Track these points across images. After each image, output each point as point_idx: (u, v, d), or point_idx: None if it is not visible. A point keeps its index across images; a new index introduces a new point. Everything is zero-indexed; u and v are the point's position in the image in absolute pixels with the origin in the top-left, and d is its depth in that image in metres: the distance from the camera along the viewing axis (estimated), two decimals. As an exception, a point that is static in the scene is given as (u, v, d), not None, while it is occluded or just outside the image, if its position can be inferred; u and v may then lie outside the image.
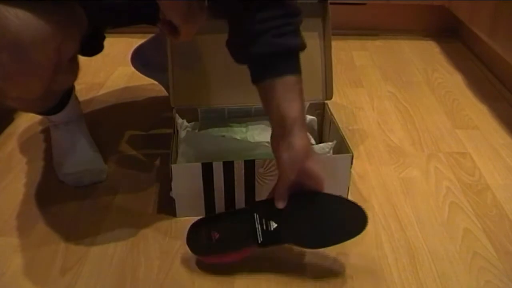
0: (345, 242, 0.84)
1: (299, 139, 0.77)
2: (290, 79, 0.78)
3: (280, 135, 0.78)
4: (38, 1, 0.69)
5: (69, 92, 1.05)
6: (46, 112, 1.03)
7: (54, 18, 0.71)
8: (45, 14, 0.70)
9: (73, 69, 0.91)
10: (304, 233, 0.80)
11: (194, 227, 0.85)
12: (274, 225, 0.80)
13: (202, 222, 0.86)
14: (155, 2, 0.75)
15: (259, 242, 0.80)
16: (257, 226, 0.80)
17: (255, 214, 0.81)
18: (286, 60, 0.78)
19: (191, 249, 0.84)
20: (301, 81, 0.79)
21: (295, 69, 0.79)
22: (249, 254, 0.82)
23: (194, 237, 0.84)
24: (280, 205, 0.79)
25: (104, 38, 0.98)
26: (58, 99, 0.99)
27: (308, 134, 1.13)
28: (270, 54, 0.77)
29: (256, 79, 0.80)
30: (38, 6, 0.69)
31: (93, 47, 0.97)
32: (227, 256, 0.82)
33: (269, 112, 0.80)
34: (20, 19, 0.68)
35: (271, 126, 0.81)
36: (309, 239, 0.80)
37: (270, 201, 0.81)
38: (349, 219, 0.81)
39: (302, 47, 0.80)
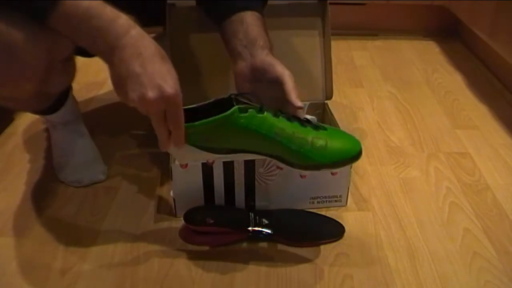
0: (345, 242, 0.90)
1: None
2: (258, 14, 0.86)
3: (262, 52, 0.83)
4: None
5: (66, 91, 1.04)
6: (43, 111, 1.03)
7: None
8: None
9: (69, 71, 0.91)
10: (291, 230, 0.90)
11: (190, 211, 0.90)
12: (266, 221, 0.89)
13: (198, 209, 0.92)
14: (157, 4, 0.75)
15: (251, 229, 0.87)
16: (250, 219, 0.89)
17: (250, 213, 0.90)
18: None
19: (185, 219, 0.89)
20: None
21: (261, 7, 0.89)
22: (237, 239, 0.89)
23: (189, 215, 0.90)
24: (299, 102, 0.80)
25: None
26: (54, 99, 0.99)
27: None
28: None
29: (228, 12, 0.85)
30: None
31: None
32: (218, 230, 0.88)
33: (235, 38, 0.84)
34: (10, 19, 0.68)
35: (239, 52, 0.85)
36: (295, 234, 0.90)
37: (264, 210, 0.92)
38: (329, 225, 0.93)
39: None
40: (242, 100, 0.79)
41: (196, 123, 0.76)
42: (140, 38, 0.70)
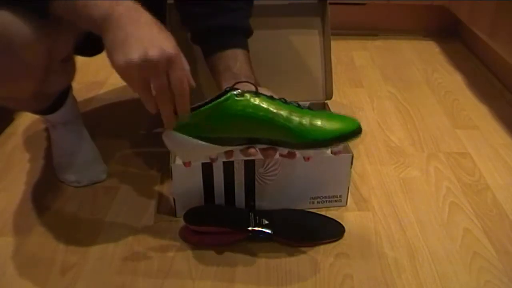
0: (345, 242, 0.90)
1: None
2: (248, 54, 0.90)
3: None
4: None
5: (66, 91, 1.04)
6: (42, 111, 1.03)
7: (44, 20, 0.71)
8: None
9: (68, 71, 0.91)
10: (291, 230, 0.90)
11: (190, 210, 0.91)
12: (265, 221, 0.89)
13: (198, 209, 0.93)
14: (157, 4, 0.74)
15: (250, 229, 0.88)
16: (251, 218, 0.90)
17: (250, 213, 0.91)
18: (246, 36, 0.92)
19: (185, 219, 0.89)
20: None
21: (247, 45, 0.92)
22: (237, 239, 0.88)
23: (189, 215, 0.90)
24: None
25: None
26: (54, 99, 0.99)
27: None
28: (241, 28, 0.89)
29: (222, 46, 0.87)
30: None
31: (94, 48, 0.97)
32: (218, 230, 0.88)
33: (229, 71, 0.87)
34: (9, 18, 0.68)
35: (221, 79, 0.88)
36: (295, 234, 0.90)
37: (264, 210, 0.93)
38: (329, 225, 0.93)
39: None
40: (238, 90, 0.80)
41: (195, 111, 0.76)
42: (135, 9, 0.69)
